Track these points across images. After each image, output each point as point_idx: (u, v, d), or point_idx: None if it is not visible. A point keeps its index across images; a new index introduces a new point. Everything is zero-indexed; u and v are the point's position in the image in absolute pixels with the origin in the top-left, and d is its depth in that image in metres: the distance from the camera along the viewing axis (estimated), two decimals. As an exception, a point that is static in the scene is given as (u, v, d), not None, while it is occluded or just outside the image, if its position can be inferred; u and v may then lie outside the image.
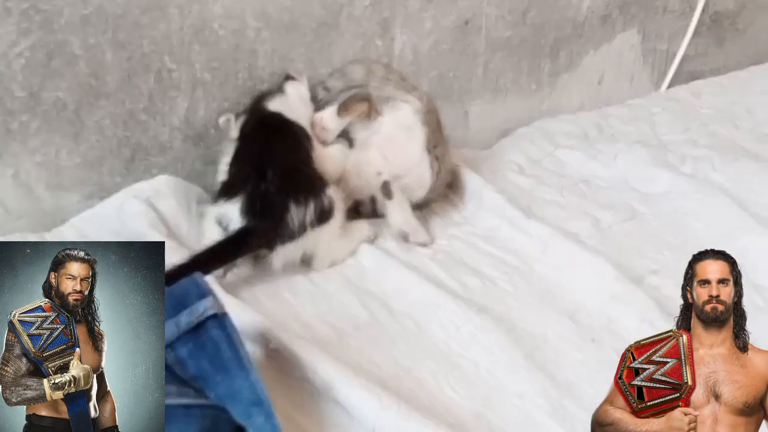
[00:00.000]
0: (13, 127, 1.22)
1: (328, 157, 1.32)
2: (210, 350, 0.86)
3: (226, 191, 1.22)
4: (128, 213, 1.27)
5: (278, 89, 1.34)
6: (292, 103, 1.33)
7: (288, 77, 1.37)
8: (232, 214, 1.19)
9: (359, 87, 1.38)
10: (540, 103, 1.80)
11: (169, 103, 1.34)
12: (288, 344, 1.02)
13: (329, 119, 1.34)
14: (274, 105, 1.31)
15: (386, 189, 1.32)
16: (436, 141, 1.39)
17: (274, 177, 1.19)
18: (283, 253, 1.20)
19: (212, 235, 1.20)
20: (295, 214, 1.18)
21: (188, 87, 1.34)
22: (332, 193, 1.23)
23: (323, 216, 1.21)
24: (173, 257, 1.17)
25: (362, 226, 1.32)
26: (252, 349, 0.89)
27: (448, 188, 1.47)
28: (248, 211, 1.18)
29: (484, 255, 1.31)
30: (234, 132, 1.31)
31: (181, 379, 0.85)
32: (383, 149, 1.36)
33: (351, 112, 1.35)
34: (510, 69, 1.72)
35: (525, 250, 1.31)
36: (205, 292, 0.87)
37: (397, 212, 1.32)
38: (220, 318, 0.86)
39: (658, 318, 1.16)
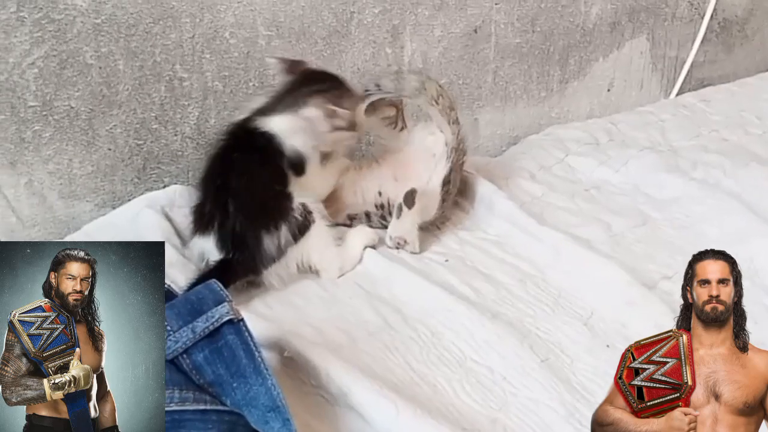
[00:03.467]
0: (26, 136, 1.23)
1: (319, 179, 1.28)
2: (226, 356, 0.85)
3: (198, 226, 1.20)
4: (142, 223, 1.27)
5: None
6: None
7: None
8: (209, 247, 1.18)
9: (401, 96, 1.34)
10: (550, 110, 1.81)
11: (180, 111, 1.34)
12: (302, 351, 1.02)
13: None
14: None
15: (410, 198, 1.29)
16: (451, 180, 1.36)
17: (237, 212, 1.16)
18: (273, 273, 1.19)
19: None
20: (270, 240, 1.17)
21: (199, 95, 1.35)
22: (301, 203, 1.20)
23: (301, 230, 1.20)
24: (185, 270, 1.19)
25: (363, 230, 1.31)
26: (267, 356, 0.89)
27: (458, 195, 1.47)
28: (222, 247, 1.17)
29: (497, 261, 1.30)
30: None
31: (197, 386, 0.85)
32: (397, 169, 1.35)
33: (377, 113, 1.33)
34: (519, 76, 1.73)
35: (537, 257, 1.31)
36: (221, 298, 0.87)
37: (408, 222, 1.30)
38: (236, 324, 0.86)
39: (671, 323, 1.15)
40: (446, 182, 1.35)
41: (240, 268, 1.17)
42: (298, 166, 1.22)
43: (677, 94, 2.00)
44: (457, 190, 1.40)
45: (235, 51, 1.36)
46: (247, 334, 0.86)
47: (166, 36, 1.29)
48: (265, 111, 1.23)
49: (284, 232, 1.18)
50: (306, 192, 1.23)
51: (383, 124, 1.36)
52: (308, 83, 1.24)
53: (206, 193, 1.21)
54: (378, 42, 1.51)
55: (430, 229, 1.38)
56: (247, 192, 1.18)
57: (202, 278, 1.12)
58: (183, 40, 1.30)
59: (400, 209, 1.29)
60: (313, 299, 1.19)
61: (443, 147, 1.35)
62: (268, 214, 1.18)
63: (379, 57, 1.51)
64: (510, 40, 1.67)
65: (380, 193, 1.35)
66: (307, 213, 1.21)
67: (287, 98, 1.23)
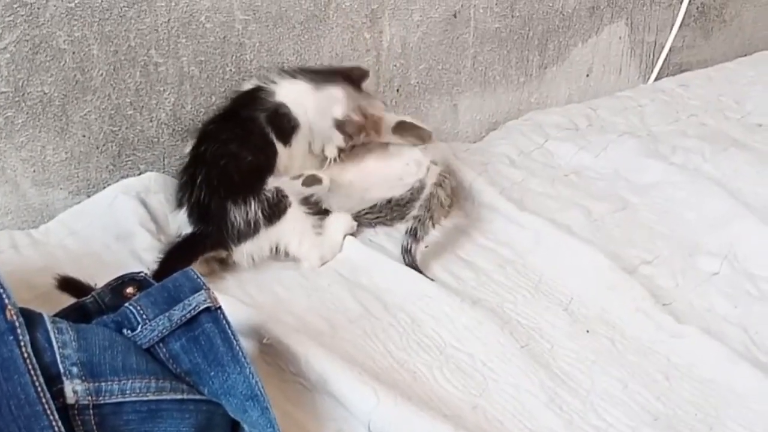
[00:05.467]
0: (-2, 122, 1.21)
1: (300, 156, 1.28)
2: (203, 345, 0.84)
3: (176, 200, 1.21)
4: (118, 209, 1.26)
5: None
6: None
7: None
8: (182, 221, 1.18)
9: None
10: (529, 95, 1.80)
11: (156, 97, 1.32)
12: (281, 338, 1.01)
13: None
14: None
15: (343, 126, 1.27)
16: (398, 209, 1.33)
17: (203, 183, 1.16)
18: (244, 252, 1.18)
19: None
20: (237, 214, 1.15)
21: (175, 81, 1.33)
22: (278, 184, 1.19)
23: (275, 211, 1.18)
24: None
25: (342, 217, 1.29)
26: (245, 344, 0.88)
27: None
28: (190, 218, 1.17)
29: (477, 247, 1.30)
30: None
31: (174, 375, 0.83)
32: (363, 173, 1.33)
33: (405, 135, 1.34)
34: (499, 61, 1.72)
35: (517, 242, 1.30)
36: (198, 286, 0.86)
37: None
38: (213, 312, 0.85)
39: (651, 307, 1.16)
40: (394, 204, 1.32)
41: (207, 241, 1.16)
42: (287, 133, 1.23)
43: (656, 79, 2.00)
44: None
45: (211, 36, 1.34)
46: (224, 322, 0.85)
47: (141, 20, 1.26)
48: (284, 75, 1.28)
49: (254, 207, 1.16)
50: (286, 168, 1.23)
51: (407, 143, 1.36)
52: (340, 74, 1.30)
53: (181, 172, 1.23)
54: (356, 27, 1.49)
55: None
56: (215, 162, 1.18)
57: (169, 253, 1.14)
58: (158, 24, 1.28)
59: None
60: (293, 287, 1.18)
61: (414, 179, 1.33)
62: (237, 186, 1.17)
63: (357, 42, 1.50)
64: (489, 25, 1.66)
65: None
66: (281, 197, 1.19)
67: (314, 74, 1.29)
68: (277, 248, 1.20)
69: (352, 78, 1.31)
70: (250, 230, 1.17)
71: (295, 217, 1.20)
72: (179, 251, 1.15)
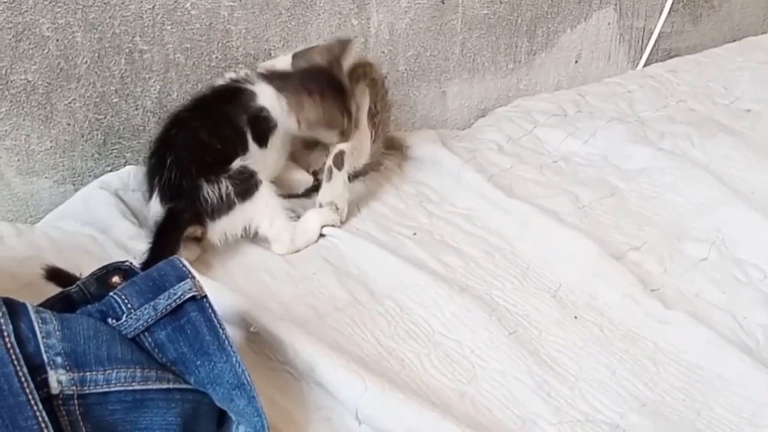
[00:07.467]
0: (-19, 111, 1.20)
1: (274, 157, 1.27)
2: (189, 334, 0.84)
3: (147, 188, 1.21)
4: (98, 203, 1.24)
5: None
6: None
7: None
8: (155, 208, 1.16)
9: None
10: (518, 82, 1.79)
11: (141, 84, 1.31)
12: (268, 327, 1.00)
13: None
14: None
15: (340, 159, 1.26)
16: (379, 109, 1.35)
17: (173, 163, 1.15)
18: (219, 229, 1.17)
19: None
20: (210, 190, 1.14)
21: (161, 68, 1.32)
22: (241, 165, 1.18)
23: (246, 186, 1.17)
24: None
25: (323, 211, 1.28)
26: (232, 333, 0.87)
27: (425, 168, 1.46)
28: (163, 199, 1.16)
29: (465, 234, 1.29)
30: None
31: (160, 364, 0.83)
32: None
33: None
34: (487, 48, 1.71)
35: (506, 229, 1.30)
36: (184, 275, 0.85)
37: (340, 185, 1.28)
38: (199, 300, 0.84)
39: (639, 293, 1.16)
40: (374, 114, 1.33)
41: (186, 214, 1.15)
42: (264, 136, 1.22)
43: (644, 65, 2.00)
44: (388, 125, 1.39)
45: (196, 22, 1.32)
46: (210, 310, 0.85)
47: (126, 7, 1.25)
48: (264, 78, 1.25)
49: (225, 184, 1.15)
50: (258, 168, 1.21)
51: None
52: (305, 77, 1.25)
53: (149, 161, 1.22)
54: (344, 13, 1.48)
55: (368, 176, 1.38)
56: (185, 144, 1.17)
57: (154, 239, 1.12)
58: (143, 11, 1.27)
59: (330, 172, 1.27)
60: (280, 275, 1.18)
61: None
62: (206, 164, 1.16)
63: (345, 28, 1.49)
64: (477, 11, 1.66)
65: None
66: (249, 175, 1.18)
67: (285, 78, 1.25)
68: (249, 228, 1.20)
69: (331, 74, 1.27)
70: (224, 206, 1.16)
71: (266, 196, 1.19)
72: (162, 233, 1.13)
